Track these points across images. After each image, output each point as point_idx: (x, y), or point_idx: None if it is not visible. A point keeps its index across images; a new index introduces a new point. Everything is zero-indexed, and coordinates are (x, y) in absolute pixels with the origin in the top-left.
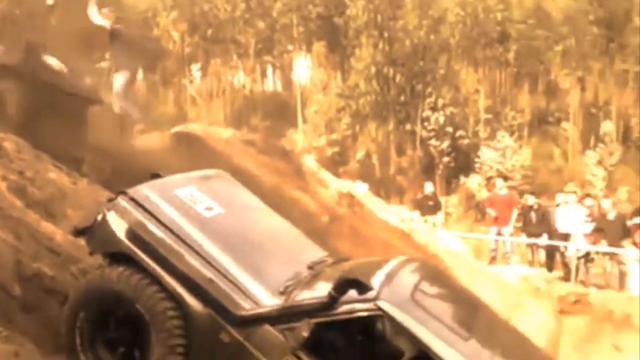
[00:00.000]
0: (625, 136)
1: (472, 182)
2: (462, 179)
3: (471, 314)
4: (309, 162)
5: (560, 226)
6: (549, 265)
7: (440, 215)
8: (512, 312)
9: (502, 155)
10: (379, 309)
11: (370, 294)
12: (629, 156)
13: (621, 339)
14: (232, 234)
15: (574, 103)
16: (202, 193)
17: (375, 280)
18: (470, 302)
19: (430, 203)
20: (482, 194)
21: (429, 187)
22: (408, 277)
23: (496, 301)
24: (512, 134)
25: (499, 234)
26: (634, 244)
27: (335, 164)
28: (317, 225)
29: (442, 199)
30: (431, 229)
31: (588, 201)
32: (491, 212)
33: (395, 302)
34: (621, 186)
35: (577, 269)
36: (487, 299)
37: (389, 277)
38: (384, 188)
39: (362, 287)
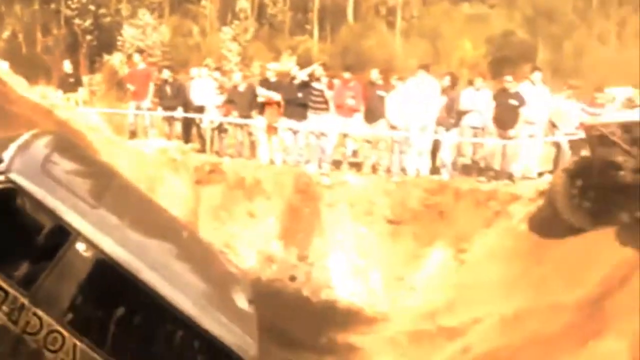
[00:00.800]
0: (259, 13)
1: (115, 60)
2: (106, 56)
3: (103, 185)
4: None
5: (195, 99)
6: (186, 138)
7: (81, 92)
8: (152, 184)
9: (142, 32)
10: (10, 180)
11: (1, 166)
12: (262, 32)
13: (253, 205)
14: None
15: None
16: None
17: (7, 153)
18: (103, 173)
19: (71, 80)
20: (125, 71)
21: (67, 65)
22: (40, 149)
23: (136, 174)
24: (152, 11)
25: (138, 108)
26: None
27: None
28: None
29: (86, 77)
30: (72, 106)
31: (217, 74)
32: (131, 87)
33: (26, 174)
34: (255, 61)
35: (212, 140)
36: (127, 172)
37: (21, 150)
38: (31, 67)
39: None
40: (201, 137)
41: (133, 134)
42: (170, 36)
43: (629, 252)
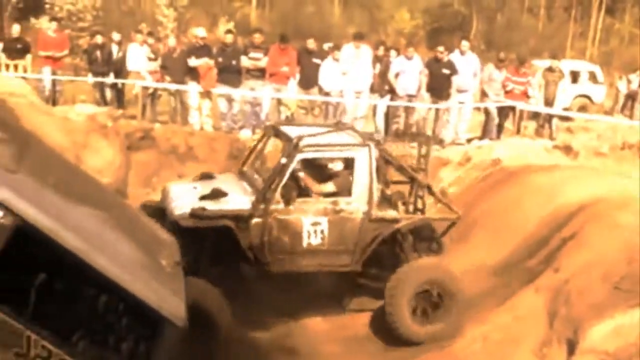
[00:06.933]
0: None
1: (44, 24)
2: (33, 20)
3: (21, 150)
4: None
5: (129, 65)
6: (118, 104)
7: (29, 59)
8: (80, 150)
9: None
10: None
11: None
12: None
13: (186, 171)
14: None
15: None
16: None
17: None
18: (21, 138)
19: (19, 46)
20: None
21: (15, 29)
22: None
23: (64, 141)
24: None
25: (54, 74)
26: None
27: None
28: None
29: None
30: None
31: (151, 40)
32: (43, 53)
33: None
34: (192, 27)
35: (144, 106)
36: (54, 139)
37: None
38: None
39: None
40: (132, 102)
41: (48, 101)
42: (103, 0)
43: None
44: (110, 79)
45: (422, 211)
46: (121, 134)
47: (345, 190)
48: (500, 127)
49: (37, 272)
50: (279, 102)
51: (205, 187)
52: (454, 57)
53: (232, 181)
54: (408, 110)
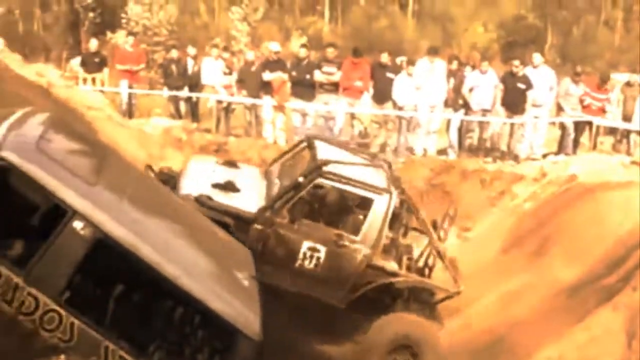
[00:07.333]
0: None
1: (120, 39)
2: (109, 35)
3: (100, 162)
4: None
5: (203, 79)
6: (192, 117)
7: (106, 72)
8: (156, 163)
9: (148, 10)
10: (2, 158)
11: None
12: (272, 13)
13: None
14: None
15: None
16: None
17: None
18: (100, 151)
19: (96, 60)
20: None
21: (93, 44)
22: (34, 127)
23: (139, 153)
24: None
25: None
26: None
27: None
28: None
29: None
30: (69, 84)
31: (226, 54)
32: (120, 67)
33: (19, 151)
34: (265, 41)
35: (218, 119)
36: (129, 151)
37: (14, 128)
38: (28, 45)
39: None
40: (208, 116)
41: (125, 114)
42: (177, 15)
43: None
44: (185, 92)
45: (431, 270)
46: (196, 147)
47: (353, 228)
48: (576, 142)
49: (115, 283)
50: (352, 116)
51: (223, 175)
52: (529, 71)
53: (253, 178)
54: (482, 125)
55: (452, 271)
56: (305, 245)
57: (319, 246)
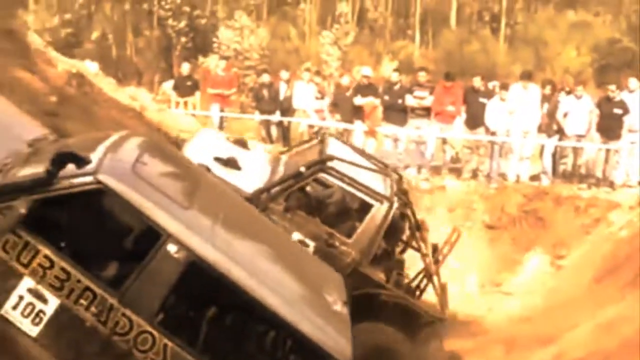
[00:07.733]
0: (360, 17)
1: (211, 63)
2: (201, 59)
3: (194, 186)
4: (36, 41)
5: (295, 103)
6: (284, 141)
7: (198, 96)
8: None
9: (239, 34)
10: (99, 182)
11: (90, 168)
12: (362, 37)
13: None
14: None
15: None
16: None
17: (96, 154)
18: (194, 175)
19: (189, 84)
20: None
21: (185, 67)
22: (129, 151)
23: None
24: (249, 13)
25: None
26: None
27: (70, 45)
28: (45, 107)
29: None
30: (161, 107)
31: (318, 79)
32: (211, 91)
33: (116, 175)
34: (356, 66)
35: None
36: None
37: (110, 151)
38: (121, 69)
39: (80, 161)
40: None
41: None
42: (268, 39)
43: None
44: (277, 116)
45: (422, 292)
46: None
47: (348, 232)
48: None
49: (208, 306)
50: (444, 141)
51: (228, 151)
52: (625, 95)
53: (259, 161)
54: (576, 151)
55: (440, 297)
56: (295, 236)
57: (308, 240)
